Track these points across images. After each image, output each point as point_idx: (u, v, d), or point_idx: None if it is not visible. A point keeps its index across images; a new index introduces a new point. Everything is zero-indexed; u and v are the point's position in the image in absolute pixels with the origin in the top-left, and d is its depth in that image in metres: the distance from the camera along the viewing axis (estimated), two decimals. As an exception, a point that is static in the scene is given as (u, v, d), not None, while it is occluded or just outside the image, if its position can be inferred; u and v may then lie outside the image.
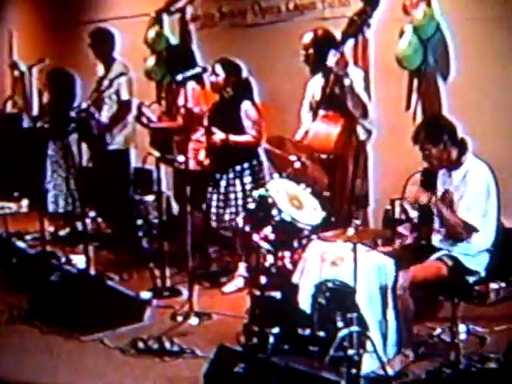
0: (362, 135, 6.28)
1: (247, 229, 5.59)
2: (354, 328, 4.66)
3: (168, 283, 6.69)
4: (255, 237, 5.43)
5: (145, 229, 7.42)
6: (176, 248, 7.05)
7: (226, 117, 6.51)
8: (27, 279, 6.49)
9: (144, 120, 7.38)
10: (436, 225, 5.17)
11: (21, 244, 7.71)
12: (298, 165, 5.77)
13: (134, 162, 8.08)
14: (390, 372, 4.80)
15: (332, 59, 5.99)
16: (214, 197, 6.60)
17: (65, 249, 7.64)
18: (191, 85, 6.84)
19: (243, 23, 7.98)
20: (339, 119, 6.15)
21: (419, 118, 6.47)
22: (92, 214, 7.84)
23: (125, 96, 7.82)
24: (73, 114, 6.99)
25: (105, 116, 7.80)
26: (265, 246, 5.40)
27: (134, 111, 7.75)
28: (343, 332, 4.65)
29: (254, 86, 6.66)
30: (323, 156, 5.99)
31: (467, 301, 5.14)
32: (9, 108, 10.59)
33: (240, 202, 6.46)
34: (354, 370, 4.59)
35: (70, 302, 5.84)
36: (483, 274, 5.13)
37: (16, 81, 10.28)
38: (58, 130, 7.88)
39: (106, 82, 7.58)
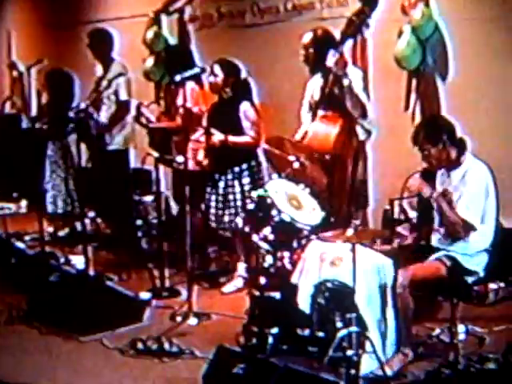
0: (362, 135, 6.27)
1: (247, 229, 5.60)
2: (353, 328, 4.66)
3: (167, 283, 6.69)
4: (255, 237, 5.43)
5: (144, 229, 7.42)
6: (175, 248, 7.04)
7: (225, 117, 6.50)
8: (26, 279, 6.48)
9: (143, 120, 7.38)
10: (435, 224, 5.18)
11: (20, 244, 7.72)
12: (296, 165, 5.77)
13: (133, 162, 8.09)
14: (389, 372, 4.81)
15: (331, 59, 5.99)
16: (213, 197, 6.61)
17: (64, 249, 7.64)
18: (190, 85, 6.84)
19: (242, 24, 7.99)
20: (338, 119, 6.15)
21: (418, 118, 6.48)
22: (91, 214, 7.84)
23: (123, 96, 7.82)
24: (71, 114, 7.00)
25: (103, 116, 7.80)
26: (264, 246, 5.39)
27: (132, 111, 7.76)
28: (342, 332, 4.65)
29: (253, 87, 6.66)
30: (322, 156, 5.99)
31: (466, 301, 5.14)
32: (7, 108, 10.59)
33: (239, 202, 6.47)
34: (353, 371, 4.59)
35: (69, 303, 5.84)
36: (482, 274, 5.14)
37: (15, 81, 10.26)
38: (57, 131, 7.88)
39: (104, 83, 7.58)
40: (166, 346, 5.35)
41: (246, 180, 6.51)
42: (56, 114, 7.93)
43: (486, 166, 5.12)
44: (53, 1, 10.28)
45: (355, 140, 6.26)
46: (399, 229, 5.30)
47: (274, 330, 5.02)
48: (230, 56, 6.71)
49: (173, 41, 8.64)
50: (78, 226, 7.53)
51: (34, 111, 9.51)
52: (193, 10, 8.47)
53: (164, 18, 8.67)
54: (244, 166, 6.53)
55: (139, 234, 7.42)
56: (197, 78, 6.82)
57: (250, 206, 5.54)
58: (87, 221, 7.47)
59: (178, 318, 5.92)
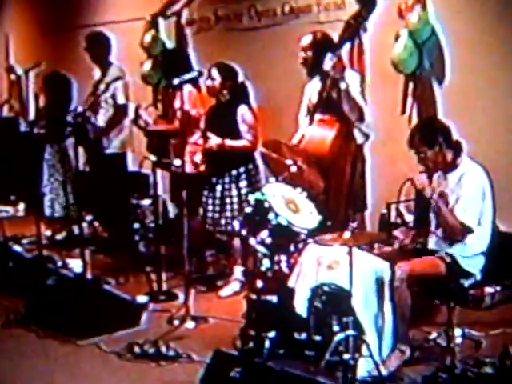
0: (360, 139, 6.27)
1: (244, 233, 5.61)
2: (350, 332, 4.67)
3: (164, 287, 6.69)
4: (252, 241, 5.44)
5: (141, 233, 7.41)
6: (172, 252, 7.05)
7: (223, 121, 6.51)
8: (24, 283, 6.48)
9: (141, 123, 7.38)
10: (432, 227, 5.19)
11: (17, 248, 7.71)
12: (294, 169, 5.77)
13: (131, 165, 8.09)
14: (385, 371, 4.81)
15: (329, 63, 6.00)
16: (210, 201, 6.61)
17: (61, 253, 7.65)
18: (188, 88, 6.84)
19: (239, 27, 7.99)
20: (335, 123, 6.15)
21: (414, 122, 6.47)
22: (88, 217, 7.84)
23: (121, 100, 7.82)
24: (69, 117, 7.00)
25: (101, 120, 7.81)
26: (261, 249, 5.40)
27: (130, 115, 7.77)
28: (339, 336, 4.66)
29: (251, 90, 6.67)
30: (319, 160, 5.99)
31: (462, 305, 5.14)
32: (5, 112, 10.60)
33: (236, 206, 6.47)
34: (349, 375, 4.60)
35: (66, 306, 5.84)
36: (479, 276, 5.15)
37: (12, 85, 10.29)
38: (55, 134, 7.89)
39: (102, 86, 7.59)
40: (163, 349, 5.35)
41: (243, 183, 6.51)
42: (54, 118, 7.95)
43: (483, 168, 5.13)
44: (51, 5, 10.28)
45: (353, 144, 6.26)
46: (396, 232, 5.31)
47: (271, 334, 5.03)
48: (228, 59, 6.73)
49: (170, 44, 8.65)
50: (76, 229, 7.53)
51: (31, 115, 9.51)
52: (190, 14, 8.48)
53: (161, 21, 8.68)
54: (241, 169, 6.53)
55: (136, 237, 7.41)
56: (194, 81, 6.82)
57: (248, 210, 5.55)
58: (85, 224, 7.47)
59: (176, 322, 5.92)
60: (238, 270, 6.66)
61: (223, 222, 6.55)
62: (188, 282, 6.12)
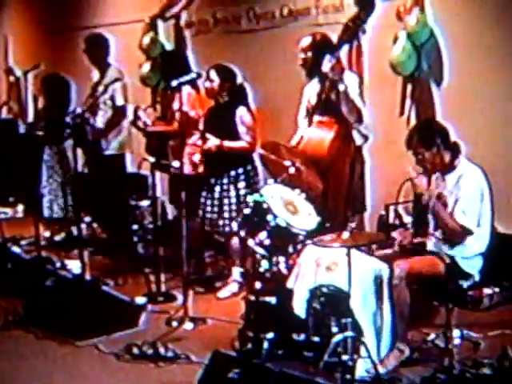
0: (359, 140, 6.28)
1: (242, 234, 5.61)
2: (349, 333, 4.67)
3: (163, 288, 6.69)
4: (250, 242, 5.45)
5: (140, 234, 7.41)
6: (171, 253, 7.06)
7: (221, 122, 6.52)
8: (22, 284, 6.48)
9: (140, 124, 7.38)
10: (430, 228, 5.20)
11: (16, 249, 7.72)
12: (292, 170, 5.78)
13: (130, 167, 8.10)
14: (384, 370, 4.83)
15: (327, 65, 6.01)
16: (209, 202, 6.61)
17: (60, 254, 7.64)
18: (186, 90, 6.84)
19: (237, 29, 7.99)
20: (334, 125, 6.16)
21: (413, 124, 6.48)
22: (87, 219, 7.85)
23: (120, 101, 7.84)
24: (68, 119, 7.00)
25: (100, 121, 7.82)
26: (260, 251, 5.41)
27: (129, 117, 7.77)
28: (337, 337, 4.66)
29: (249, 92, 6.68)
30: (318, 161, 6.00)
31: (461, 306, 5.15)
32: (4, 113, 10.61)
33: (234, 207, 6.47)
34: (348, 376, 4.60)
35: (65, 307, 5.84)
36: (477, 277, 5.15)
37: (11, 86, 10.31)
38: (54, 136, 7.89)
39: (101, 88, 7.60)
40: (162, 350, 5.35)
41: (241, 184, 6.51)
42: (52, 119, 7.95)
43: (481, 169, 5.14)
44: (50, 6, 10.28)
45: (352, 145, 6.26)
46: (394, 234, 5.32)
47: (270, 335, 5.04)
48: (226, 61, 6.73)
49: (169, 46, 8.65)
50: (74, 230, 7.53)
51: (30, 116, 9.53)
52: (189, 16, 8.48)
53: (160, 23, 8.69)
54: (240, 170, 6.54)
55: (135, 238, 7.41)
56: (193, 83, 6.83)
57: (246, 211, 5.55)
58: (83, 225, 7.48)
59: (174, 323, 5.92)
60: (236, 272, 6.66)
61: (221, 222, 6.55)
62: (186, 284, 6.13)
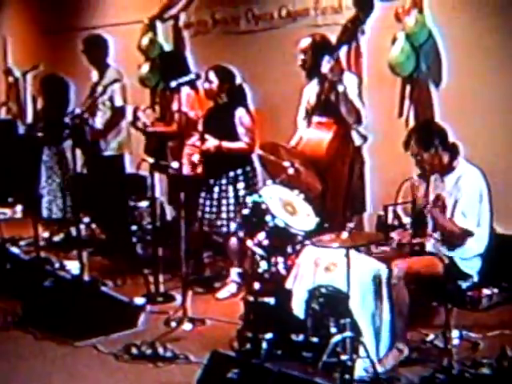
0: (358, 141, 6.28)
1: (241, 234, 5.62)
2: (347, 334, 4.67)
3: (162, 289, 6.69)
4: (249, 242, 5.45)
5: (139, 235, 7.42)
6: (170, 254, 7.06)
7: (221, 123, 6.52)
8: (21, 285, 6.48)
9: (139, 125, 7.38)
10: (429, 229, 5.20)
11: (15, 250, 7.70)
12: (291, 171, 5.78)
13: (129, 167, 8.10)
14: (382, 369, 4.83)
15: (326, 65, 6.01)
16: (208, 202, 6.61)
17: (59, 254, 7.64)
18: (185, 90, 6.85)
19: (236, 30, 7.99)
20: (332, 126, 6.16)
21: (412, 124, 6.49)
22: (86, 219, 7.85)
23: (119, 102, 7.83)
24: (67, 120, 7.00)
25: (99, 122, 7.82)
26: (258, 251, 5.41)
27: (128, 117, 7.78)
28: (336, 338, 4.66)
29: (248, 93, 6.68)
30: (316, 162, 6.00)
31: (460, 306, 5.16)
32: (3, 114, 10.61)
33: (231, 207, 6.47)
34: (347, 376, 4.60)
35: (63, 308, 5.84)
36: (476, 278, 5.15)
37: (10, 87, 10.31)
38: (53, 136, 7.89)
39: (99, 89, 7.60)
40: (161, 350, 5.36)
41: (240, 185, 6.51)
42: (51, 120, 7.95)
43: (480, 170, 5.14)
44: (48, 7, 10.28)
45: (351, 146, 6.26)
46: (393, 234, 5.32)
47: (269, 336, 5.03)
48: (225, 62, 6.73)
49: (168, 47, 8.65)
50: (73, 231, 7.52)
51: (29, 117, 9.53)
52: (187, 17, 8.49)
53: (159, 24, 8.69)
54: (239, 171, 6.54)
55: (134, 239, 7.42)
56: (192, 84, 6.83)
57: (245, 212, 5.55)
58: (82, 226, 7.48)
59: (173, 324, 5.92)
60: (234, 272, 6.67)
61: (219, 223, 6.55)
62: (185, 284, 6.13)
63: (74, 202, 7.65)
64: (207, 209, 6.61)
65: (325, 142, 6.12)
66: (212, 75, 6.55)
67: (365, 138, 6.29)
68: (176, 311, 6.04)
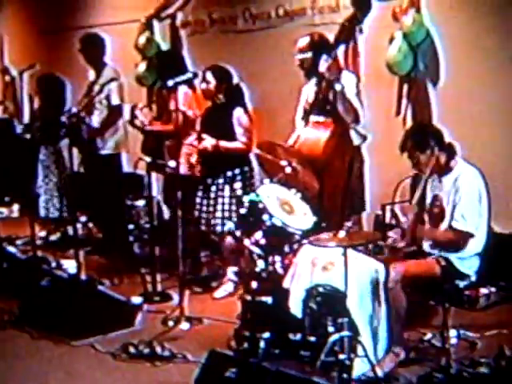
0: (356, 140, 6.28)
1: (238, 234, 5.61)
2: (345, 333, 4.67)
3: (159, 288, 6.69)
4: (246, 242, 5.44)
5: (136, 234, 7.40)
6: (167, 253, 7.05)
7: (218, 123, 6.51)
8: (18, 284, 6.47)
9: (137, 123, 7.37)
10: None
11: (11, 249, 7.70)
12: (288, 170, 5.77)
13: (126, 166, 8.09)
14: (380, 372, 4.82)
15: (324, 65, 6.00)
16: (205, 202, 6.60)
17: (56, 254, 7.65)
18: (183, 89, 6.85)
19: (234, 29, 8.00)
20: (330, 125, 6.15)
21: (409, 124, 6.49)
22: (83, 218, 7.84)
23: (116, 101, 7.81)
24: (63, 118, 6.99)
25: (95, 121, 7.80)
26: (256, 250, 5.40)
27: (125, 116, 7.77)
28: (334, 337, 4.66)
29: (245, 92, 6.68)
30: (313, 161, 5.99)
31: (457, 306, 5.16)
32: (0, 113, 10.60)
33: (227, 207, 6.46)
34: (344, 375, 4.60)
35: (60, 307, 5.83)
36: (474, 277, 5.14)
37: (7, 86, 10.31)
38: (49, 135, 7.88)
39: (96, 87, 7.59)
40: (158, 350, 5.35)
41: (237, 185, 6.50)
42: (48, 119, 7.94)
43: (478, 170, 5.14)
44: (45, 6, 10.27)
45: (350, 145, 6.26)
46: (391, 234, 5.31)
47: (266, 335, 5.03)
48: (222, 61, 6.73)
49: (165, 46, 8.66)
50: (70, 230, 7.51)
51: (26, 116, 9.52)
52: (185, 16, 8.49)
53: (156, 23, 8.70)
54: (237, 170, 6.53)
55: (131, 238, 7.40)
56: (189, 82, 6.82)
57: (242, 211, 5.54)
58: (79, 225, 7.47)
59: (170, 323, 5.91)
60: (230, 271, 6.66)
61: (215, 222, 6.54)
62: (182, 283, 6.13)
63: (70, 201, 7.64)
64: (204, 208, 6.60)
65: (322, 141, 6.11)
66: (209, 75, 6.54)
67: (364, 138, 6.29)
68: (173, 310, 6.04)
